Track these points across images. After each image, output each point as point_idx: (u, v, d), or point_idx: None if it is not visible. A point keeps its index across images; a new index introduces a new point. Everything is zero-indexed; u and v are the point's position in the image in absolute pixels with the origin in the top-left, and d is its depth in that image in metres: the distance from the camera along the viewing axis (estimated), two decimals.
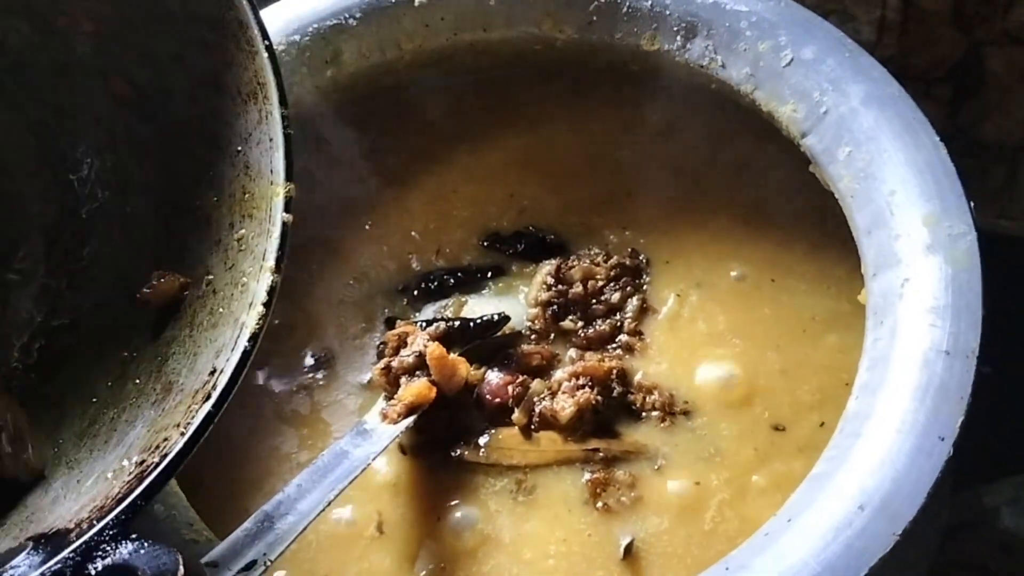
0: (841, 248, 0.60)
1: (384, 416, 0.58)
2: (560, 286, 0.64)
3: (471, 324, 0.63)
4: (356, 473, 0.54)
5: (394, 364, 0.60)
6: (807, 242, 0.63)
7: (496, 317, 0.63)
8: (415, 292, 0.66)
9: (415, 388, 0.59)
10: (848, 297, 0.60)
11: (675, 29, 0.64)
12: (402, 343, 0.61)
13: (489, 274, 0.66)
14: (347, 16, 0.66)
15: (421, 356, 0.60)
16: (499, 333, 0.63)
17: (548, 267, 0.65)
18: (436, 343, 0.60)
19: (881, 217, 0.55)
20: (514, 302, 0.65)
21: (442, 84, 0.70)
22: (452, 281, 0.66)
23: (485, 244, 0.67)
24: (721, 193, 0.67)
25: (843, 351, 0.59)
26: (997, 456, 0.73)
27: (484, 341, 0.63)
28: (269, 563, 0.48)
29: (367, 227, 0.68)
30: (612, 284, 0.64)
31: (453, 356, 0.60)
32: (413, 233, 0.68)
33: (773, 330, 0.61)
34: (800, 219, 0.64)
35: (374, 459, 0.56)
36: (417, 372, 0.60)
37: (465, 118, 0.71)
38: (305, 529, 0.50)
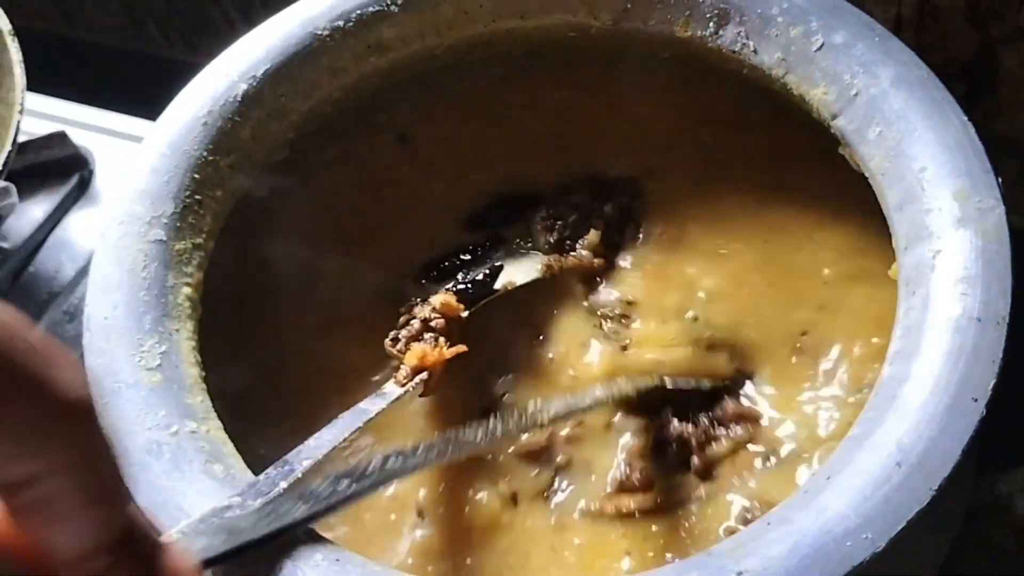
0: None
1: (396, 381, 0.61)
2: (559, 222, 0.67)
3: (469, 286, 0.65)
4: (369, 417, 0.57)
5: (401, 334, 0.63)
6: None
7: (489, 270, 0.66)
8: (423, 280, 0.68)
9: (418, 349, 0.62)
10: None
11: (708, 16, 0.66)
12: (411, 316, 0.64)
13: (488, 245, 0.69)
14: (389, 3, 0.68)
15: (426, 321, 0.63)
16: (518, 286, 0.65)
17: (541, 213, 0.68)
18: (443, 295, 0.63)
19: (912, 193, 0.57)
20: (525, 259, 0.68)
21: (476, 72, 0.72)
22: (458, 262, 0.68)
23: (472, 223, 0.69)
24: (742, 172, 0.69)
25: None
26: (1011, 446, 0.74)
27: (493, 296, 0.65)
28: (283, 490, 0.51)
29: (384, 218, 0.70)
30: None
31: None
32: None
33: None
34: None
35: (387, 406, 0.59)
36: (425, 337, 0.63)
37: (495, 105, 0.73)
38: (320, 462, 0.53)
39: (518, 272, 0.67)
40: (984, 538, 0.77)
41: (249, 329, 0.65)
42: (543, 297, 0.67)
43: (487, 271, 0.67)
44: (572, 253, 0.67)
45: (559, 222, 0.68)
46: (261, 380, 0.63)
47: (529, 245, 0.69)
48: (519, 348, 0.65)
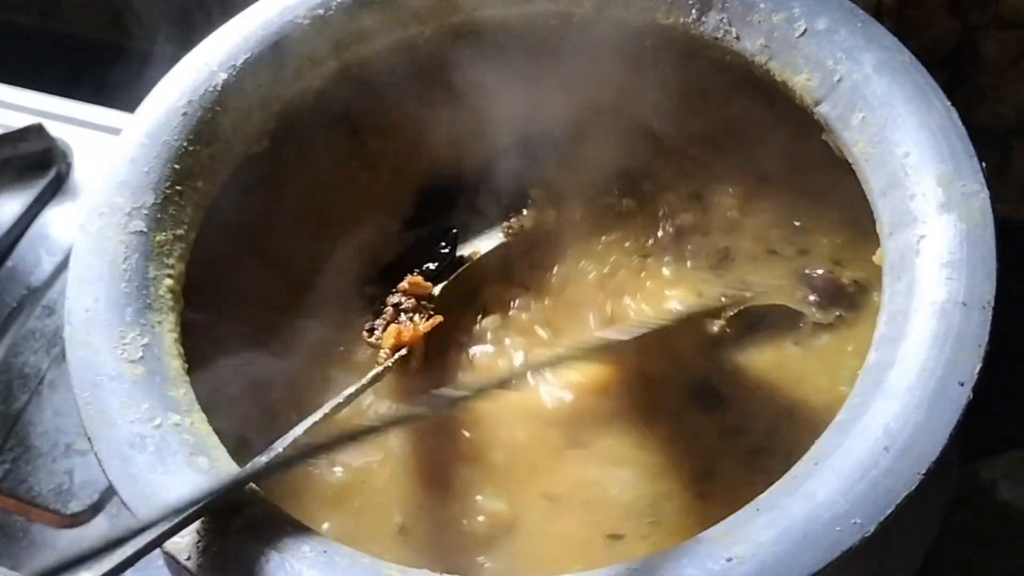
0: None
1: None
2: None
3: (433, 265, 0.66)
4: (349, 393, 0.57)
5: (376, 323, 0.64)
6: None
7: (445, 241, 0.66)
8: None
9: (393, 329, 0.62)
10: None
11: (690, 2, 0.66)
12: (383, 306, 0.65)
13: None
14: None
15: (396, 306, 0.63)
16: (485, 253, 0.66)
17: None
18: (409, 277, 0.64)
19: (896, 178, 0.57)
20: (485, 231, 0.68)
21: (458, 60, 0.71)
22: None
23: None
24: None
25: None
26: (993, 433, 0.75)
27: (463, 271, 0.66)
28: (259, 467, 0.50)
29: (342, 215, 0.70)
30: None
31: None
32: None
33: None
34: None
35: (367, 382, 0.59)
36: (400, 319, 0.63)
37: (474, 95, 0.72)
38: (296, 438, 0.52)
39: (481, 242, 0.67)
40: (967, 524, 0.78)
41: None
42: None
43: (443, 243, 0.67)
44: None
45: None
46: None
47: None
48: None
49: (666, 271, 0.67)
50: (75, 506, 0.76)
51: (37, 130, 0.92)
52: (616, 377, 0.61)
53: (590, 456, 0.59)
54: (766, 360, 0.61)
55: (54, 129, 0.93)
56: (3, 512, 0.77)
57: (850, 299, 0.63)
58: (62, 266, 0.88)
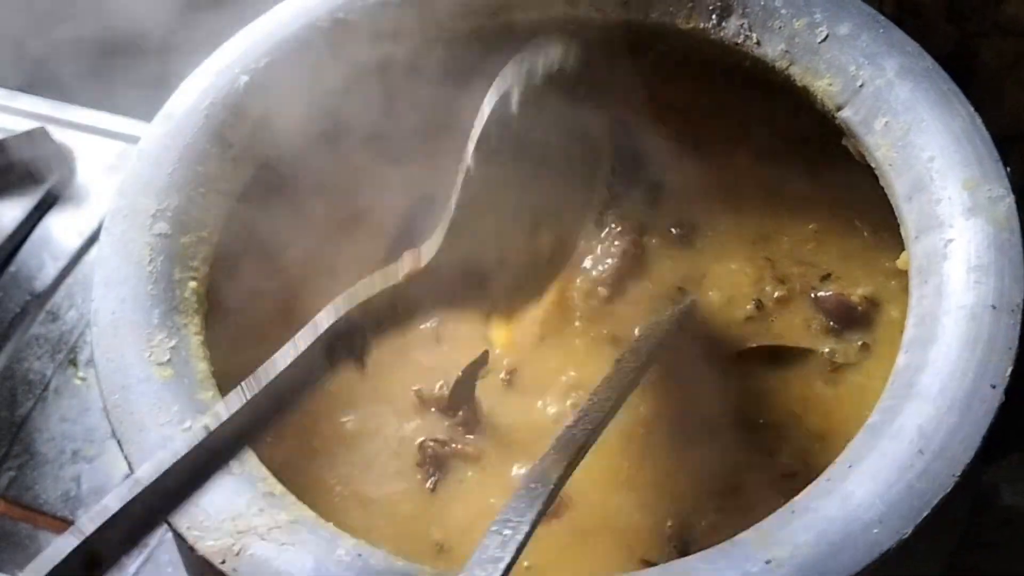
0: None
1: None
2: None
3: None
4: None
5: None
6: None
7: None
8: None
9: None
10: None
11: (710, 8, 0.66)
12: None
13: None
14: None
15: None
16: None
17: None
18: None
19: (921, 183, 0.57)
20: None
21: (474, 65, 0.71)
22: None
23: None
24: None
25: None
26: (996, 437, 0.75)
27: None
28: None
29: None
30: None
31: None
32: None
33: None
34: None
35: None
36: None
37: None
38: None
39: None
40: (970, 528, 0.78)
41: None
42: None
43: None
44: None
45: None
46: None
47: None
48: None
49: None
50: (82, 513, 0.75)
51: (40, 134, 0.91)
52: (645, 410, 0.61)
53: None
54: (794, 394, 0.61)
55: (57, 134, 0.92)
56: (9, 520, 0.76)
57: (863, 317, 0.63)
58: (65, 271, 0.87)
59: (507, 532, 0.46)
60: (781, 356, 0.62)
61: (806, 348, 0.62)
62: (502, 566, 0.45)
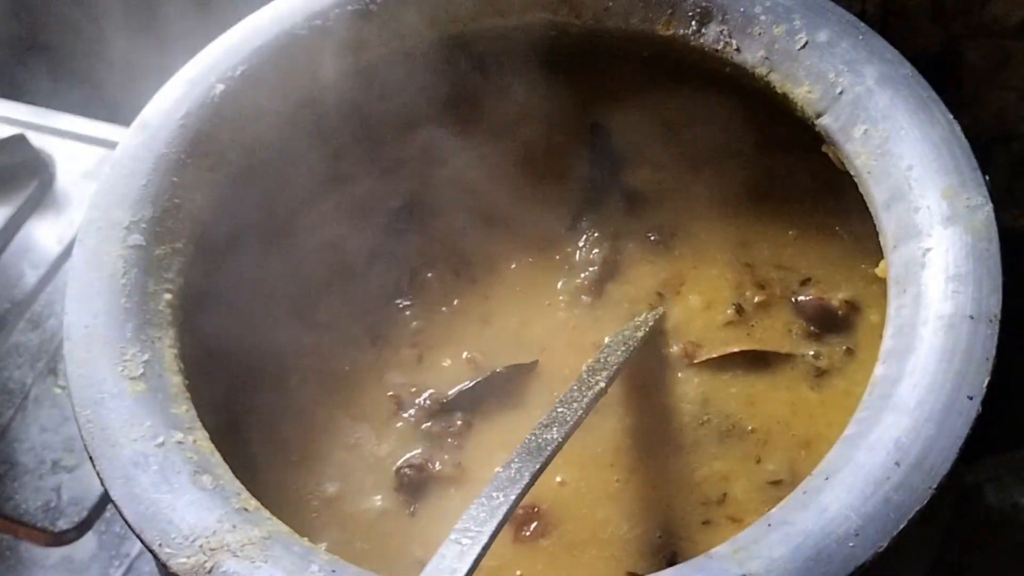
0: None
1: None
2: None
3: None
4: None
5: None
6: None
7: None
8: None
9: None
10: None
11: (690, 14, 0.65)
12: None
13: None
14: (368, 1, 0.67)
15: None
16: None
17: None
18: None
19: (900, 191, 0.57)
20: None
21: (456, 70, 0.71)
22: None
23: None
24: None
25: None
26: (979, 436, 0.75)
27: None
28: None
29: None
30: None
31: None
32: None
33: None
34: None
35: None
36: None
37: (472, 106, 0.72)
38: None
39: None
40: (954, 527, 0.78)
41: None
42: None
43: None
44: None
45: None
46: None
47: None
48: None
49: None
50: (63, 523, 0.75)
51: (19, 141, 0.91)
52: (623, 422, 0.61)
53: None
54: (780, 400, 0.61)
55: (36, 140, 0.92)
56: None
57: (843, 321, 0.63)
58: (46, 279, 0.87)
59: (465, 542, 0.46)
60: (765, 361, 0.62)
61: (787, 353, 0.62)
62: None
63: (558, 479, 0.59)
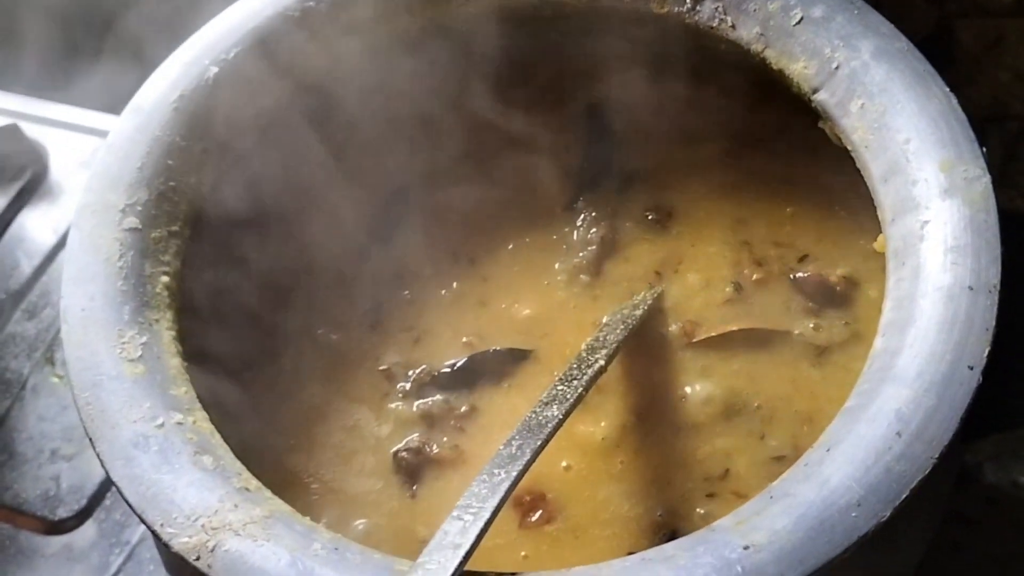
0: None
1: None
2: None
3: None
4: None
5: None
6: None
7: None
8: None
9: None
10: None
11: None
12: None
13: None
14: None
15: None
16: None
17: None
18: None
19: (897, 165, 0.57)
20: None
21: (449, 52, 0.71)
22: None
23: None
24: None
25: None
26: (975, 416, 0.76)
27: None
28: None
29: None
30: None
31: None
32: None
33: None
34: None
35: None
36: None
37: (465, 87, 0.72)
38: None
39: None
40: (953, 508, 0.78)
41: None
42: None
43: None
44: None
45: None
46: None
47: None
48: None
49: None
50: (63, 512, 0.75)
51: (12, 131, 0.90)
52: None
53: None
54: (782, 377, 0.61)
55: (29, 130, 0.91)
56: None
57: (842, 297, 0.63)
58: (41, 269, 0.86)
59: (467, 518, 0.46)
60: (765, 339, 0.62)
61: (785, 330, 0.62)
62: (461, 552, 0.45)
63: (563, 464, 0.59)
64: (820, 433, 0.51)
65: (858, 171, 0.59)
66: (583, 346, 0.59)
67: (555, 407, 0.54)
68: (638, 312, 0.62)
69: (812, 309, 0.63)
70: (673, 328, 0.63)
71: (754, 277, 0.64)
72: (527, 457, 0.50)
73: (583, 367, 0.57)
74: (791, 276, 0.64)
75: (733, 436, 0.58)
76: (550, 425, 0.52)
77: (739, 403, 0.60)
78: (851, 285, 0.63)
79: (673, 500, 0.58)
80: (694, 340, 0.62)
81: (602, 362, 0.58)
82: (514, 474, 0.49)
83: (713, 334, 0.62)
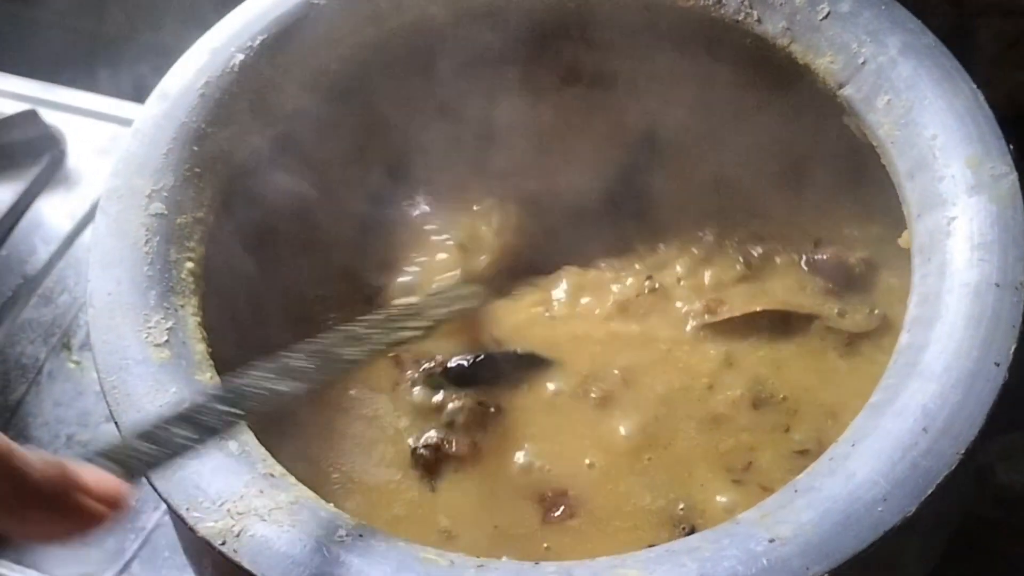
0: None
1: None
2: None
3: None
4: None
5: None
6: None
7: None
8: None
9: None
10: None
11: None
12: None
13: None
14: None
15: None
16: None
17: None
18: None
19: (924, 161, 0.57)
20: None
21: (475, 44, 0.71)
22: None
23: None
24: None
25: None
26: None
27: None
28: None
29: None
30: None
31: None
32: None
33: None
34: None
35: None
36: None
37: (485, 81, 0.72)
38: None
39: None
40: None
41: None
42: None
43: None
44: None
45: None
46: None
47: None
48: None
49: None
50: None
51: (30, 116, 0.90)
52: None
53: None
54: (808, 367, 0.61)
55: (47, 116, 0.91)
56: None
57: (861, 279, 0.63)
58: (57, 255, 0.86)
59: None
60: (789, 324, 0.62)
61: (808, 313, 0.62)
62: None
63: (587, 461, 0.59)
64: (844, 427, 0.51)
65: (876, 164, 0.60)
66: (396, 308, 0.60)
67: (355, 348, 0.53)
68: (444, 304, 0.61)
69: (832, 290, 0.63)
70: (697, 305, 0.63)
71: (761, 251, 0.66)
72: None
73: (392, 323, 0.57)
74: (808, 257, 0.65)
75: (758, 430, 0.58)
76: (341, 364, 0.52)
77: (765, 394, 0.60)
78: (870, 267, 0.64)
79: (694, 494, 0.58)
80: (716, 320, 0.63)
81: (410, 333, 0.57)
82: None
83: (736, 314, 0.62)
